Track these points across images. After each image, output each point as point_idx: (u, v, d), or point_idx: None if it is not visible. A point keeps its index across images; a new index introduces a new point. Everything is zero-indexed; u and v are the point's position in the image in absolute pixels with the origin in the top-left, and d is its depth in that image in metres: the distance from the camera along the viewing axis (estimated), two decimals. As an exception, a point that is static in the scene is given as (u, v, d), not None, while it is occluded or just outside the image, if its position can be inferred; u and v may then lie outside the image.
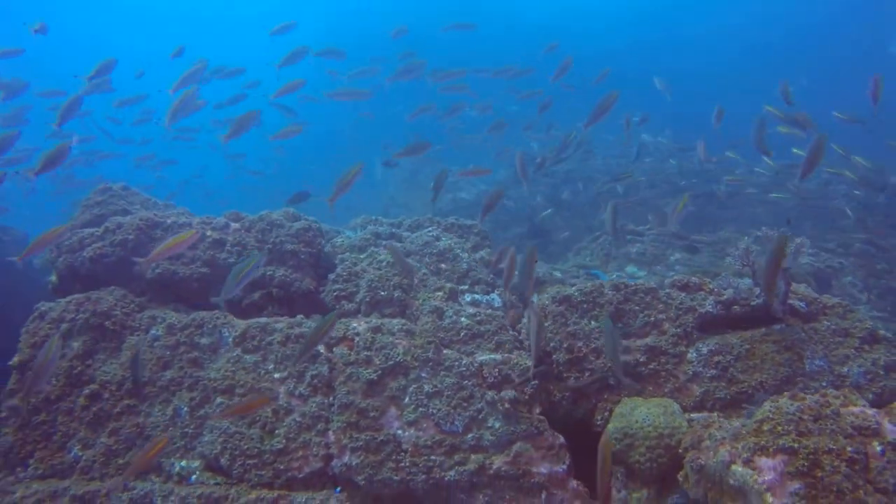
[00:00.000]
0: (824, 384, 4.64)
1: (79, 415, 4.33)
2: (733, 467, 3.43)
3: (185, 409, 4.32)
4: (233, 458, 4.12)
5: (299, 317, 4.79)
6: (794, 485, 3.24)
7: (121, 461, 4.19)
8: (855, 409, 3.60)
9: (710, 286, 5.18)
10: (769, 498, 3.23)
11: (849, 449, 3.34)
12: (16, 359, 4.49)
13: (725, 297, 5.01)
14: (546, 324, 4.81)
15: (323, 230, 5.55)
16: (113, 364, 4.49)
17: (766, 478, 3.30)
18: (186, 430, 4.26)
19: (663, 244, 9.83)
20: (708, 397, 4.60)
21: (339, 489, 4.14)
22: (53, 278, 5.15)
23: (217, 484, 4.06)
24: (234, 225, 5.27)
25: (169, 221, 5.23)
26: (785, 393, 3.83)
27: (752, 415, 4.27)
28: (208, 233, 5.18)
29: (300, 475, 4.11)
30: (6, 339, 4.78)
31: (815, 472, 3.24)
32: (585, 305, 4.90)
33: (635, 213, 10.53)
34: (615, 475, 4.35)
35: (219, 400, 4.32)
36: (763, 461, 3.35)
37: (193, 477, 4.10)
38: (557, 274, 7.94)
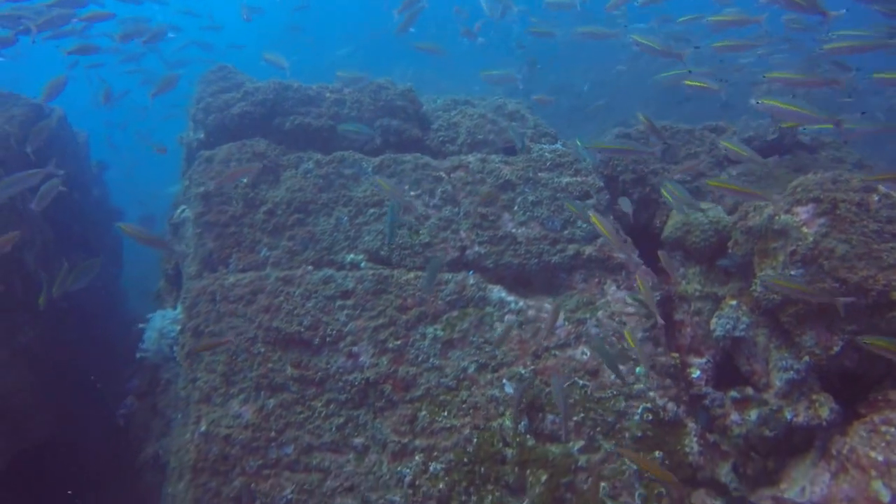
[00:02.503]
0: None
1: (260, 226, 5.44)
2: (776, 217, 4.83)
3: (346, 218, 5.48)
4: (391, 250, 5.33)
5: (417, 153, 5.96)
6: (821, 220, 4.67)
7: (300, 257, 5.34)
8: (858, 178, 5.03)
9: (734, 128, 6.55)
10: (805, 229, 4.66)
11: (856, 198, 4.76)
12: (202, 188, 5.53)
13: (747, 134, 6.40)
14: (612, 155, 6.11)
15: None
16: (279, 189, 5.59)
17: (801, 217, 4.72)
18: (349, 233, 5.43)
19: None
20: (737, 205, 6.00)
21: (472, 272, 5.40)
22: (201, 136, 6.14)
23: (382, 267, 5.27)
24: (348, 89, 6.33)
25: (296, 85, 6.26)
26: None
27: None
28: (327, 94, 6.24)
29: (444, 261, 5.35)
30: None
31: (835, 211, 4.66)
32: (642, 140, 6.21)
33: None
34: (675, 257, 5.74)
35: (371, 210, 5.49)
36: (799, 209, 4.77)
37: (363, 264, 5.30)
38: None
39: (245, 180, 5.60)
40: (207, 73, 6.70)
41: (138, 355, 5.87)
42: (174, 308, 5.76)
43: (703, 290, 5.57)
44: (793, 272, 4.69)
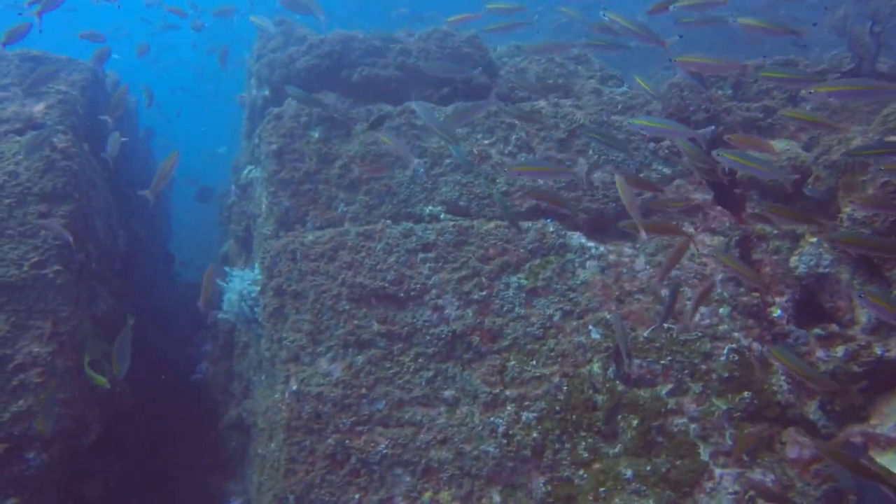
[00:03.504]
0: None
1: (335, 182, 5.45)
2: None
3: (422, 170, 5.45)
4: (469, 200, 5.32)
5: (484, 101, 5.85)
6: (915, 151, 4.55)
7: (378, 211, 5.36)
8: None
9: (806, 61, 6.33)
10: (900, 162, 4.54)
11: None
12: (273, 145, 5.52)
13: (820, 67, 6.18)
14: (684, 93, 5.96)
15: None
16: (351, 143, 5.56)
17: (897, 148, 4.59)
18: (426, 185, 5.42)
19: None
20: (813, 141, 5.86)
21: (550, 219, 5.38)
22: (266, 92, 6.09)
23: (461, 218, 5.28)
24: (411, 39, 6.20)
25: (361, 36, 6.15)
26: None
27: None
28: (392, 44, 6.12)
29: (522, 209, 5.33)
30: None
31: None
32: (712, 79, 6.03)
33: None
34: (750, 197, 5.66)
35: (447, 161, 5.45)
36: (894, 138, 4.64)
37: (442, 216, 5.31)
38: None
39: (317, 134, 5.57)
40: (264, 27, 6.58)
41: (218, 316, 5.99)
42: (248, 269, 5.84)
43: (782, 227, 5.50)
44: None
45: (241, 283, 5.60)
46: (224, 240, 7.46)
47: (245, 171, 6.30)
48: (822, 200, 5.30)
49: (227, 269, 5.74)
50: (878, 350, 4.74)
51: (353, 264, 5.07)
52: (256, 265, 5.60)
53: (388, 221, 5.28)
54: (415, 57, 6.04)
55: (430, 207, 5.35)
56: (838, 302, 5.14)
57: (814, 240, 5.31)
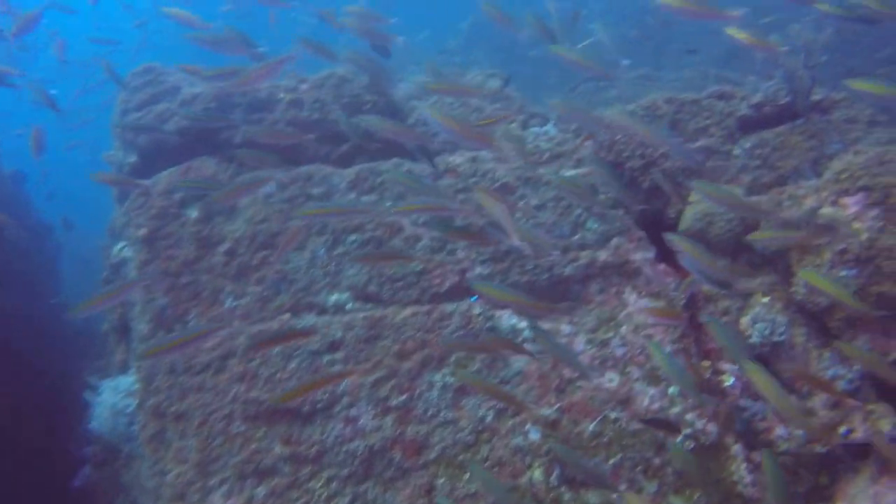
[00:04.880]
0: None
1: (221, 271, 4.56)
2: (822, 210, 4.23)
3: (322, 250, 4.64)
4: (380, 284, 4.54)
5: (396, 159, 5.08)
6: (873, 211, 4.09)
7: (274, 304, 4.51)
8: (899, 155, 4.46)
9: (742, 93, 5.85)
10: (857, 224, 4.08)
11: (906, 182, 4.19)
12: (142, 229, 4.57)
13: (756, 100, 5.71)
14: (616, 137, 5.36)
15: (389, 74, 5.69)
16: (237, 222, 4.68)
17: (851, 210, 4.12)
18: (328, 268, 4.61)
19: (638, 86, 10.50)
20: (755, 183, 5.39)
21: (475, 297, 4.68)
22: (133, 159, 5.10)
23: (372, 308, 4.50)
24: (303, 86, 5.34)
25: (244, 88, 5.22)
26: (848, 150, 4.62)
27: (801, 177, 5.11)
28: (281, 95, 5.24)
29: (442, 290, 4.61)
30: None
31: (888, 201, 4.09)
32: (647, 119, 5.46)
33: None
34: (696, 252, 5.13)
35: (352, 238, 4.65)
36: (847, 199, 4.17)
37: (349, 305, 4.51)
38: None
39: (195, 213, 4.67)
40: (130, 76, 5.58)
41: (90, 426, 5.01)
42: (125, 371, 4.89)
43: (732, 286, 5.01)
44: (843, 272, 4.14)
45: (114, 396, 4.64)
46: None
47: (117, 248, 5.30)
48: (772, 256, 4.83)
49: (95, 380, 4.76)
50: (841, 430, 4.29)
51: (247, 375, 4.22)
52: (133, 371, 4.66)
53: (287, 316, 4.45)
54: (308, 110, 5.18)
55: (335, 295, 4.55)
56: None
57: (765, 300, 4.84)
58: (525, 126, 5.54)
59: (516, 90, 6.71)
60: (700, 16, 4.34)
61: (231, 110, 5.07)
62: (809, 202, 4.33)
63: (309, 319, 4.42)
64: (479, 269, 4.68)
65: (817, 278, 4.23)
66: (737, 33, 4.46)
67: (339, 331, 4.36)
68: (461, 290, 4.68)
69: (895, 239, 3.98)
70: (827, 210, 4.21)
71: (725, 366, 4.87)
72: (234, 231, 4.63)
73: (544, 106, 6.55)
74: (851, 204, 4.14)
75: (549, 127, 5.89)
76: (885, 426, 4.19)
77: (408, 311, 4.48)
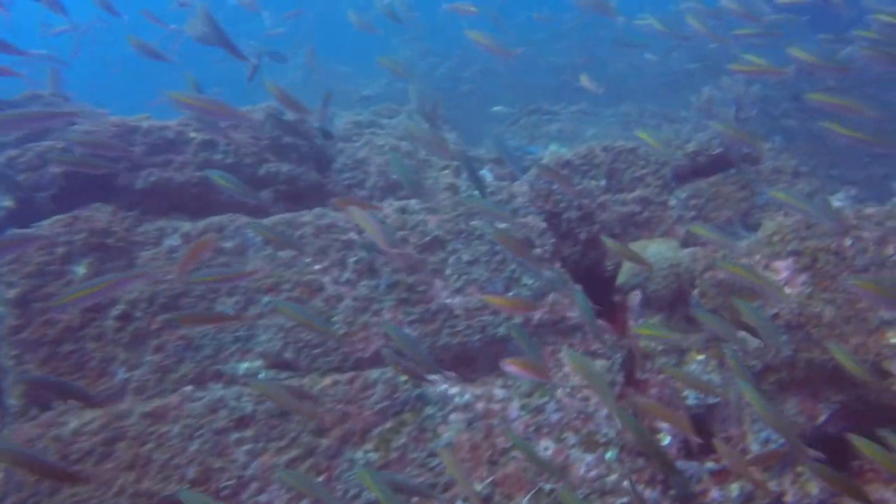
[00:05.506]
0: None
1: (113, 338, 4.01)
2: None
3: (232, 312, 4.16)
4: (298, 351, 4.12)
5: (318, 209, 4.68)
6: (803, 277, 4.03)
7: (176, 375, 4.00)
8: (827, 221, 4.45)
9: (676, 140, 5.80)
10: (787, 290, 4.00)
11: (833, 246, 4.16)
12: (13, 290, 3.96)
13: (691, 149, 5.67)
14: (553, 187, 5.16)
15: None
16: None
17: (783, 275, 4.05)
18: (238, 333, 4.14)
19: (578, 121, 10.50)
20: (691, 235, 5.32)
21: (403, 362, 4.33)
22: (9, 203, 4.46)
23: (287, 378, 4.06)
24: (220, 123, 4.86)
25: (145, 125, 4.68)
26: (779, 212, 4.57)
27: (739, 238, 5.06)
28: (192, 134, 4.74)
29: (367, 355, 4.23)
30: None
31: (815, 266, 4.04)
32: (584, 167, 5.30)
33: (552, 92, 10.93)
34: (632, 307, 4.98)
35: (266, 299, 4.21)
36: (778, 263, 4.10)
37: (261, 375, 4.06)
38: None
39: (83, 270, 4.11)
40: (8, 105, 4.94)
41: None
42: None
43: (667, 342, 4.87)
44: (777, 339, 4.05)
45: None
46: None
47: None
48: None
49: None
50: (773, 488, 4.20)
51: (138, 462, 3.68)
52: None
53: (190, 388, 3.95)
54: (221, 152, 4.71)
55: (245, 363, 4.09)
56: (730, 430, 4.57)
57: (700, 357, 4.72)
58: (458, 172, 5.26)
59: (453, 127, 6.46)
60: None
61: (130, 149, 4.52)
62: (743, 263, 4.23)
63: (215, 391, 3.93)
64: (406, 331, 4.33)
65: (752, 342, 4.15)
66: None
67: (249, 403, 3.90)
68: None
69: (823, 306, 3.92)
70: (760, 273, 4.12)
71: (661, 424, 4.72)
72: (129, 291, 4.09)
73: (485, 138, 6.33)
74: (783, 269, 4.07)
75: (486, 171, 5.65)
76: (812, 489, 4.12)
77: (327, 380, 4.07)
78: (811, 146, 6.32)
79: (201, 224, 4.39)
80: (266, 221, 4.45)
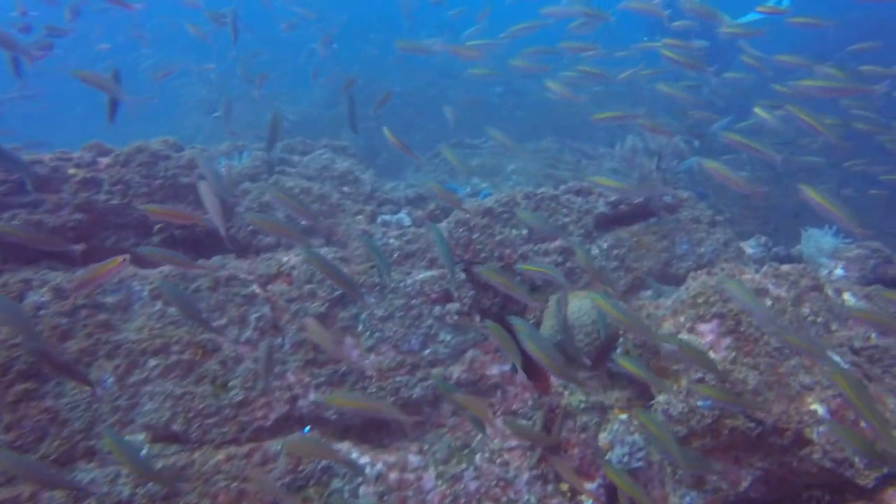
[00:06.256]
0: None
1: (-44, 413, 3.41)
2: (679, 336, 4.04)
3: (111, 378, 3.65)
4: (188, 422, 3.65)
5: (218, 257, 4.25)
6: (727, 340, 3.96)
7: (37, 454, 3.44)
8: (747, 276, 4.45)
9: (598, 189, 5.74)
10: (712, 354, 3.92)
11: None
12: None
13: (613, 198, 5.62)
14: (474, 236, 4.95)
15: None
16: (-10, 342, 3.56)
17: (707, 339, 3.97)
18: (118, 402, 3.63)
19: (498, 155, 10.45)
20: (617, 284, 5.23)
21: (307, 428, 3.95)
22: None
23: (175, 452, 3.58)
24: (104, 160, 4.34)
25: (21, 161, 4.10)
26: (701, 271, 4.53)
27: (661, 294, 5.00)
28: (71, 171, 4.20)
29: (268, 423, 3.82)
30: None
31: (738, 329, 3.99)
32: (506, 215, 5.12)
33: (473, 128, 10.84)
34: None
35: (152, 363, 3.72)
36: (703, 326, 4.01)
37: (144, 451, 3.56)
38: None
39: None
40: None
41: None
42: None
43: (589, 399, 4.71)
44: (700, 403, 3.96)
45: None
46: None
47: None
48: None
49: None
50: (700, 560, 4.07)
51: (-20, 563, 3.10)
52: None
53: (54, 471, 3.39)
54: (105, 193, 4.20)
55: (126, 439, 3.57)
56: (653, 492, 4.44)
57: (623, 416, 4.59)
58: (374, 217, 4.96)
59: (369, 166, 6.16)
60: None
61: (-4, 190, 3.96)
62: (668, 326, 4.14)
63: (86, 472, 3.40)
64: (313, 396, 3.95)
65: (677, 405, 4.04)
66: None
67: (126, 487, 3.39)
68: (291, 422, 3.92)
69: (747, 371, 3.87)
70: (684, 336, 4.04)
71: (586, 485, 4.54)
72: (-20, 356, 3.51)
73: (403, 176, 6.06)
74: (707, 332, 3.99)
75: (403, 215, 5.38)
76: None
77: (221, 454, 3.62)
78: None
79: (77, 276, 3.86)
80: (153, 273, 3.97)
